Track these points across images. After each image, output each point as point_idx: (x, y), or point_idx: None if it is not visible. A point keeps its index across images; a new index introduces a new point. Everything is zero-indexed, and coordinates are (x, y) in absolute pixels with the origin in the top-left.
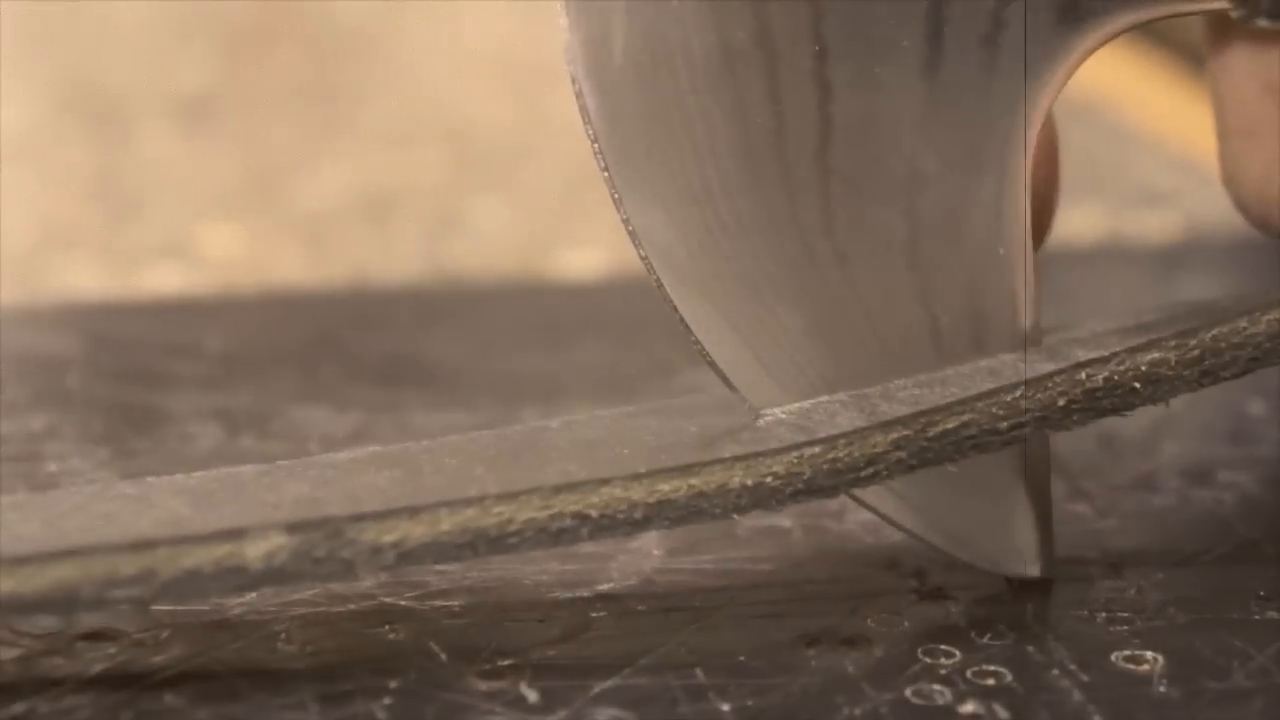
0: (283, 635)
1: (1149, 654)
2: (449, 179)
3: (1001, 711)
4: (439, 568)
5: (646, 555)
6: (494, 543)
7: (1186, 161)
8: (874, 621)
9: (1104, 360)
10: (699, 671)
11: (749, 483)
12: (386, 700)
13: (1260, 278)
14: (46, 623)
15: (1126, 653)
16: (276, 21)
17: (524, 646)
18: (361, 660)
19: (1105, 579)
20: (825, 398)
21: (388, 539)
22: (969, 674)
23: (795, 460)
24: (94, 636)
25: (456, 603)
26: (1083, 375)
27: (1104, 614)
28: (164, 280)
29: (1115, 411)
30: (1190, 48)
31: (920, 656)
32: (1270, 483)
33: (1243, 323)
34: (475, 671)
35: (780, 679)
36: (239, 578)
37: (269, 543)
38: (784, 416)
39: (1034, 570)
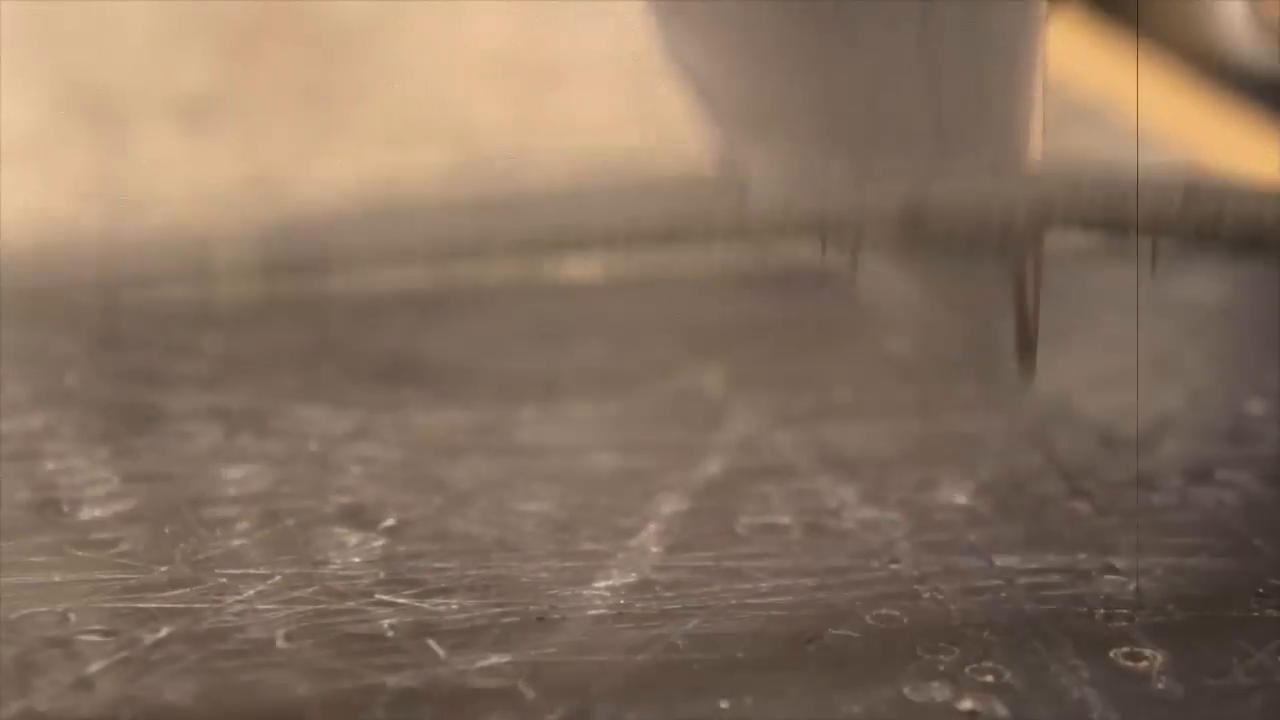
0: (282, 634)
1: (1148, 651)
2: (449, 179)
3: (1000, 708)
4: (437, 565)
5: (645, 553)
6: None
7: (1187, 164)
8: (873, 618)
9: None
10: (697, 668)
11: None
12: (385, 698)
13: (1260, 277)
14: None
15: (1126, 649)
16: (277, 21)
17: (523, 645)
18: (360, 659)
19: (1104, 575)
20: None
21: None
22: (968, 670)
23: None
24: (91, 634)
25: (455, 601)
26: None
27: (1103, 611)
28: None
29: None
30: (1193, 52)
31: (919, 653)
32: (1270, 481)
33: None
34: (475, 670)
35: (779, 676)
36: None
37: None
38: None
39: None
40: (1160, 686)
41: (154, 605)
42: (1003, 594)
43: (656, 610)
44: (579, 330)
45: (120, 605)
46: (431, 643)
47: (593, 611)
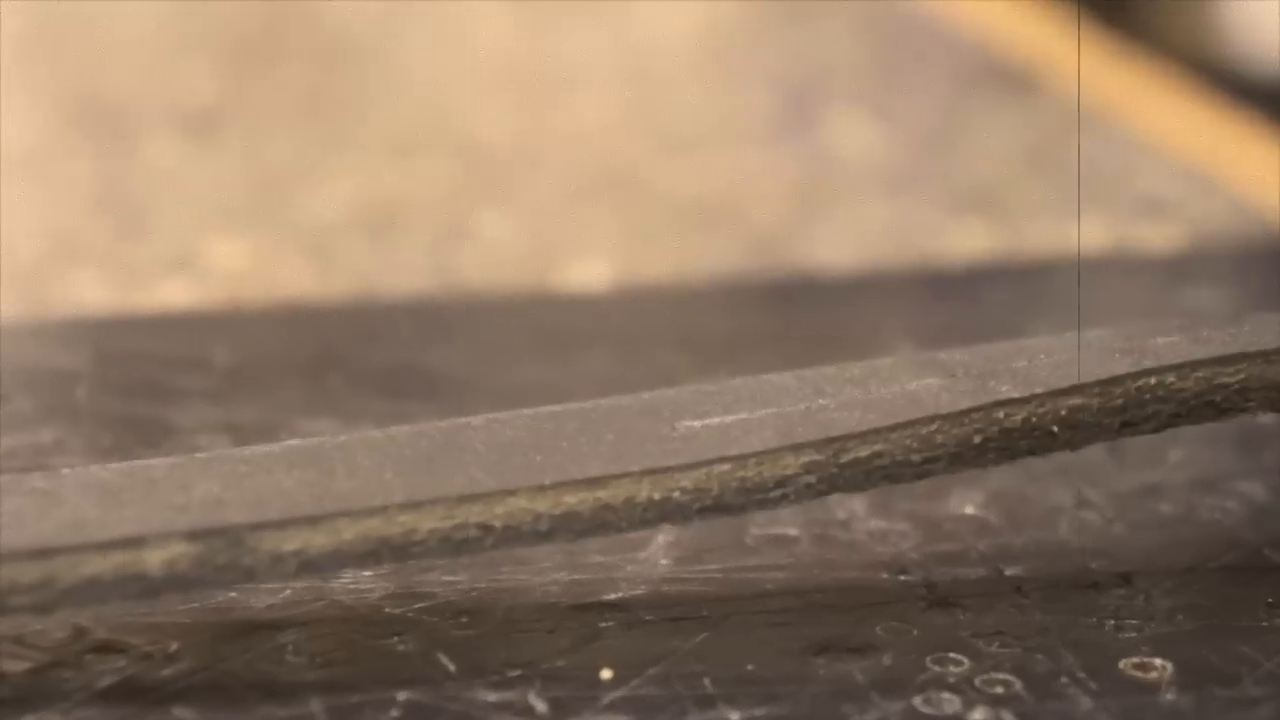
0: (291, 647)
1: (1158, 661)
2: (455, 191)
3: None
4: (446, 578)
5: (654, 564)
6: (397, 551)
7: (1191, 171)
8: (882, 630)
9: (1024, 401)
10: (707, 681)
11: (656, 497)
12: (395, 712)
13: (1264, 286)
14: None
15: (1135, 660)
16: (282, 33)
17: (533, 657)
18: (370, 672)
19: (1114, 586)
20: (745, 415)
21: (289, 547)
22: (978, 682)
23: (704, 476)
24: (102, 649)
25: (465, 614)
26: (1000, 414)
27: (1112, 621)
28: (171, 293)
29: (1033, 453)
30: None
31: (929, 665)
32: (1278, 491)
33: (1170, 377)
34: (484, 682)
35: (789, 688)
36: (140, 585)
37: (170, 550)
38: (700, 428)
39: None
40: (1169, 697)
41: (163, 619)
42: None
43: (665, 620)
44: (585, 341)
45: None
46: (441, 656)
47: (602, 623)
